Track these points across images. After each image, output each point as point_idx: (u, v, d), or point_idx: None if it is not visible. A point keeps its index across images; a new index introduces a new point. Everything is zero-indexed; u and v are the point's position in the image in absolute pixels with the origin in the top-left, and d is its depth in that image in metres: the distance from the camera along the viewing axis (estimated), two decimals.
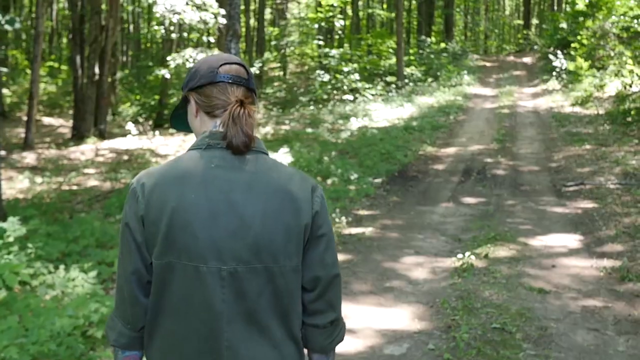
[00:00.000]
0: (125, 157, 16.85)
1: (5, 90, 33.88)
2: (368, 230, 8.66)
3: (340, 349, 4.91)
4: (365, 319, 5.48)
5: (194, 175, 1.77)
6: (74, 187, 12.76)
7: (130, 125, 20.62)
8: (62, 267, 5.74)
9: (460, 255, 7.26)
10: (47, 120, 27.38)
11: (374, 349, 4.91)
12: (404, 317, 5.55)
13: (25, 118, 24.37)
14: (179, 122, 2.13)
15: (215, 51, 19.65)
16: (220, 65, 1.90)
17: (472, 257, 7.20)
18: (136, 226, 1.78)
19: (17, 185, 12.78)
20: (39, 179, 13.30)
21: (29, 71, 40.18)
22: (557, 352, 4.79)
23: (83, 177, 13.99)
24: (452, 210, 9.98)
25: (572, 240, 8.11)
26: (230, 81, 1.88)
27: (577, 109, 20.49)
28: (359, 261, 7.28)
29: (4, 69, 20.83)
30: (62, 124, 25.68)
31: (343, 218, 9.02)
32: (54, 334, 4.16)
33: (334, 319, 1.96)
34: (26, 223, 7.22)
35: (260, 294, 1.77)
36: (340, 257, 7.41)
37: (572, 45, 27.27)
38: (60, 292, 5.28)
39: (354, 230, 8.66)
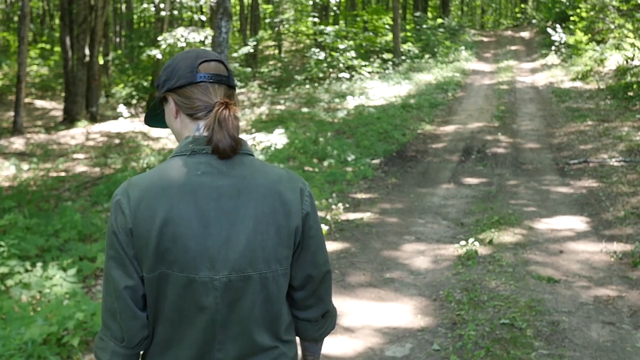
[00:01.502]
0: (117, 141, 16.44)
1: None
2: (366, 216, 8.30)
3: (338, 351, 4.58)
4: (364, 315, 5.14)
5: (180, 185, 1.70)
6: (62, 174, 12.35)
7: (121, 108, 20.23)
8: (39, 264, 5.36)
9: (463, 242, 6.92)
10: (39, 103, 26.93)
11: (374, 350, 4.56)
12: (405, 313, 5.20)
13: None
14: (154, 120, 2.02)
15: (208, 30, 19.18)
16: (200, 64, 1.80)
17: (476, 243, 6.85)
18: (125, 239, 1.70)
19: (2, 173, 12.38)
20: (25, 166, 12.90)
21: None
22: (572, 350, 4.44)
23: (72, 163, 13.59)
24: (453, 191, 9.63)
25: (579, 222, 7.77)
26: (211, 80, 1.80)
27: (578, 83, 20.14)
28: (357, 250, 6.92)
29: None
30: (55, 107, 25.24)
31: (340, 205, 8.64)
32: (22, 344, 3.81)
33: (325, 312, 1.97)
34: (2, 217, 6.83)
35: (254, 302, 1.74)
36: (338, 245, 7.07)
37: (571, 18, 26.80)
38: (38, 293, 4.93)
39: (352, 216, 8.30)
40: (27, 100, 27.10)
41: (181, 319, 1.71)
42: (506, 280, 5.78)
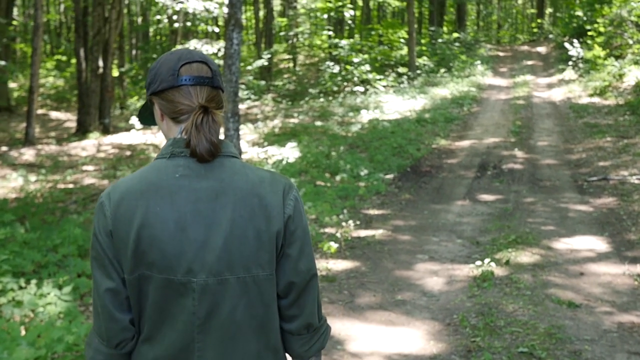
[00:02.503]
0: (128, 153, 16.28)
1: (13, 85, 33.50)
2: (378, 233, 8.03)
3: None
4: (373, 340, 4.86)
5: (159, 187, 1.70)
6: (70, 186, 12.16)
7: (134, 119, 20.10)
8: (34, 281, 5.11)
9: (478, 262, 6.63)
10: (54, 114, 26.89)
11: None
12: (417, 338, 4.91)
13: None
14: (148, 119, 2.00)
15: (221, 42, 19.04)
16: (181, 66, 1.78)
17: (492, 264, 6.56)
18: (107, 241, 1.70)
19: (10, 184, 12.20)
20: (33, 177, 12.71)
21: None
22: None
23: (81, 175, 13.41)
24: (469, 208, 9.35)
25: (599, 242, 7.46)
26: (192, 83, 1.77)
27: (596, 99, 19.80)
28: (367, 269, 6.64)
29: (2, 62, 20.11)
30: (69, 118, 25.18)
31: (350, 222, 8.37)
32: None
33: (308, 324, 1.86)
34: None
35: (235, 307, 1.70)
36: (348, 264, 6.81)
37: (589, 33, 26.45)
38: (31, 312, 4.68)
39: (363, 233, 8.03)
40: (42, 111, 27.13)
41: (162, 320, 1.70)
42: (524, 305, 5.48)
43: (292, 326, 1.84)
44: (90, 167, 14.30)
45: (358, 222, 8.50)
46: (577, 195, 9.92)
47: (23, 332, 4.48)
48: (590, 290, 5.90)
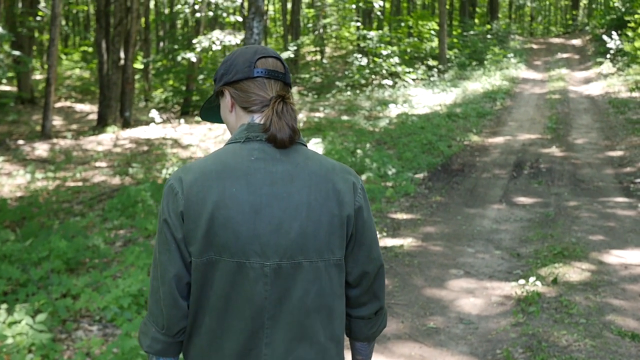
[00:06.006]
0: (145, 148, 15.60)
1: (39, 77, 33.15)
2: (407, 242, 7.23)
3: None
4: None
5: (234, 169, 1.71)
6: (79, 184, 11.48)
7: (154, 113, 19.49)
8: (4, 306, 4.39)
9: (522, 280, 5.82)
10: (79, 107, 26.44)
11: None
12: None
13: (57, 105, 23.29)
14: (209, 114, 2.06)
15: (243, 33, 18.34)
16: (258, 59, 1.83)
17: (538, 282, 5.74)
18: (176, 223, 1.69)
19: (16, 181, 11.55)
20: (39, 174, 12.02)
21: (62, 56, 39.45)
22: None
23: (92, 172, 12.73)
24: (505, 213, 8.53)
25: None
26: (267, 76, 1.82)
27: (636, 94, 18.80)
28: (394, 288, 5.83)
29: (16, 53, 19.52)
30: (93, 111, 24.67)
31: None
32: None
33: (379, 308, 1.91)
34: None
35: (306, 293, 1.69)
36: None
37: (629, 25, 25.30)
38: None
39: (390, 242, 7.25)
40: (67, 104, 26.72)
41: (227, 309, 1.68)
42: (579, 337, 4.65)
43: (364, 311, 1.86)
44: (103, 164, 13.62)
45: (385, 231, 7.71)
46: (624, 199, 9.07)
47: None
48: None
